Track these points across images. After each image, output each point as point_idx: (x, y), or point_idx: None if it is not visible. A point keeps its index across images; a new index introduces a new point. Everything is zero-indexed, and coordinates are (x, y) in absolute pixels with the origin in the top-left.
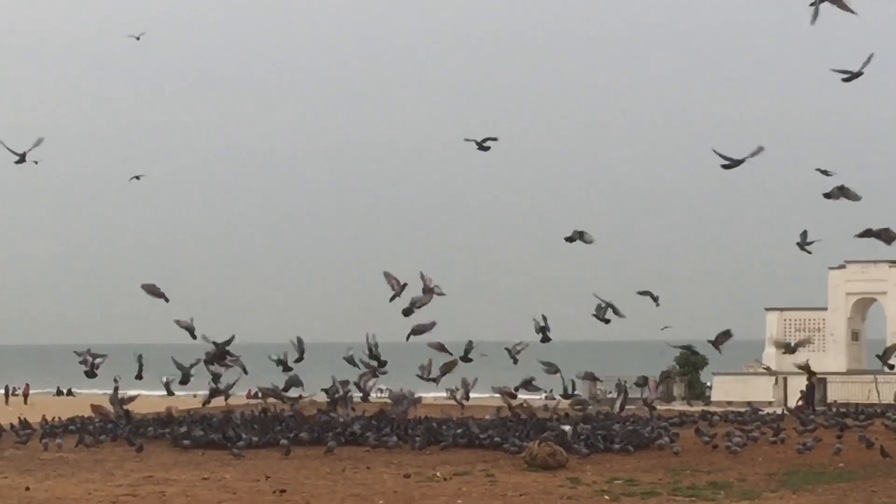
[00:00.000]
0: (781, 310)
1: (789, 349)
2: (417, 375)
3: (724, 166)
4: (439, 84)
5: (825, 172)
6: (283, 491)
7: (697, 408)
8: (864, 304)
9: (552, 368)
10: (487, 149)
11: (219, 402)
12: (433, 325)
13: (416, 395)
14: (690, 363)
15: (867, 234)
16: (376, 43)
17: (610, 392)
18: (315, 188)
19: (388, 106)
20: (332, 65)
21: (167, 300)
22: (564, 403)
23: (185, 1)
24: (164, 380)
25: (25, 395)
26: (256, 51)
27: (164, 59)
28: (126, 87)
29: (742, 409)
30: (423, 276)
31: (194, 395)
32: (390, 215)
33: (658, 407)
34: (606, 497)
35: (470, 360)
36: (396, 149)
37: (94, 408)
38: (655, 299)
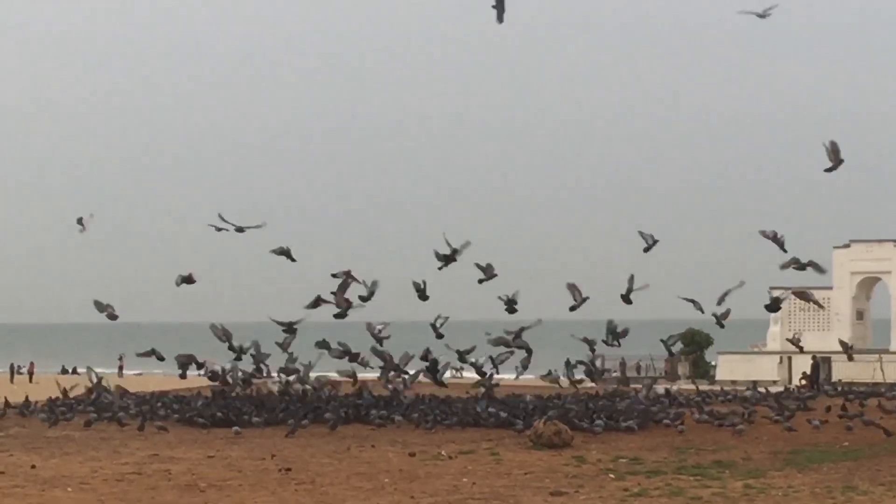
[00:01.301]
0: (786, 289)
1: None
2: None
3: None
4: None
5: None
6: (288, 469)
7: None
8: (868, 284)
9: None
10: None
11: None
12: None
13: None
14: (695, 342)
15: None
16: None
17: (614, 371)
18: (321, 171)
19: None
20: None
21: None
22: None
23: None
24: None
25: (31, 374)
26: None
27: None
28: (124, 71)
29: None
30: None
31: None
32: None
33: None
34: (611, 476)
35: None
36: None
37: (118, 388)
38: (511, 302)
